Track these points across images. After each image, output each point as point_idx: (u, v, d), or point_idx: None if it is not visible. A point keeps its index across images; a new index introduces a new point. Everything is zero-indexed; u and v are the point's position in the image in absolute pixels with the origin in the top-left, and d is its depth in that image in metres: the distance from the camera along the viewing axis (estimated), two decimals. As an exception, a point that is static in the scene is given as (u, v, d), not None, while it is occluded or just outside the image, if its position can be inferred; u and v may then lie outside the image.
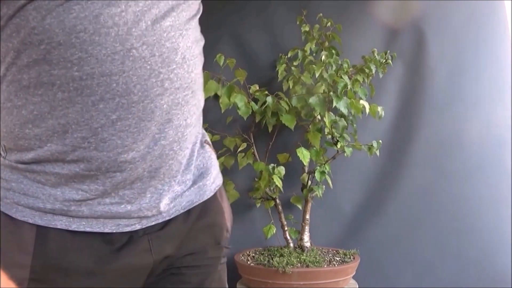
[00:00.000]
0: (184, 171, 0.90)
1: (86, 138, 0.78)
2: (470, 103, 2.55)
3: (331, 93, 2.09)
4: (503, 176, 2.53)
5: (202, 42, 0.93)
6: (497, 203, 2.51)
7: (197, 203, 0.93)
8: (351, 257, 2.21)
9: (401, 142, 2.52)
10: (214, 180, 0.98)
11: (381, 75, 2.38)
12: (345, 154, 2.20)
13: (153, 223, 0.87)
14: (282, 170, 2.04)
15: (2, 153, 0.86)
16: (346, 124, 2.21)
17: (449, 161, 2.51)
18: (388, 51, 2.41)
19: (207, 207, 0.95)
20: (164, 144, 0.83)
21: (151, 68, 0.78)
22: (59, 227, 0.82)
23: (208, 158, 0.98)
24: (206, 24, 3.16)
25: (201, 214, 0.94)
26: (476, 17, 2.58)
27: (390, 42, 2.53)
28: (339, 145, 2.18)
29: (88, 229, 0.83)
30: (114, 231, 0.84)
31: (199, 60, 0.89)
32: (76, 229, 0.82)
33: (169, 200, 0.88)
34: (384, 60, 2.35)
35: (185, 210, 0.91)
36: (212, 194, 0.96)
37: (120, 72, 0.77)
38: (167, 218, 0.89)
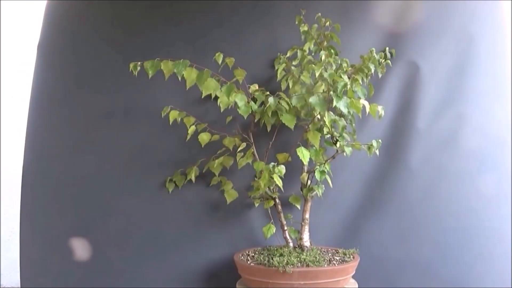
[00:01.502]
0: None
1: None
2: (469, 102, 2.54)
3: (331, 92, 2.08)
4: (503, 175, 2.53)
5: None
6: (497, 202, 2.50)
7: None
8: (351, 256, 2.20)
9: (400, 142, 2.51)
10: None
11: (380, 75, 2.38)
12: (345, 154, 2.19)
13: None
14: (282, 169, 2.03)
15: None
16: (346, 124, 2.21)
17: (449, 160, 2.51)
18: (387, 48, 2.40)
19: None
20: None
21: None
22: None
23: None
24: (206, 23, 3.15)
25: None
26: (476, 16, 2.58)
27: (389, 42, 2.52)
28: (338, 145, 2.18)
29: None
30: None
31: None
32: None
33: None
34: (383, 60, 2.35)
35: None
36: None
37: None
38: None
